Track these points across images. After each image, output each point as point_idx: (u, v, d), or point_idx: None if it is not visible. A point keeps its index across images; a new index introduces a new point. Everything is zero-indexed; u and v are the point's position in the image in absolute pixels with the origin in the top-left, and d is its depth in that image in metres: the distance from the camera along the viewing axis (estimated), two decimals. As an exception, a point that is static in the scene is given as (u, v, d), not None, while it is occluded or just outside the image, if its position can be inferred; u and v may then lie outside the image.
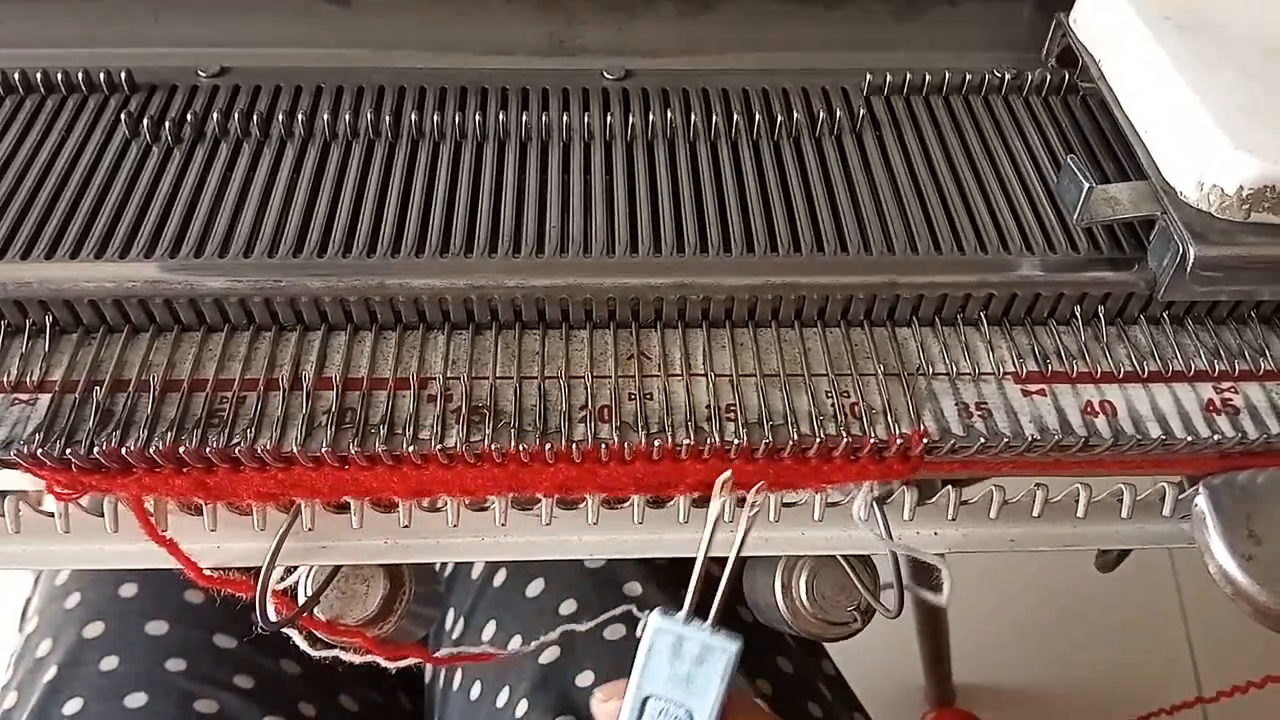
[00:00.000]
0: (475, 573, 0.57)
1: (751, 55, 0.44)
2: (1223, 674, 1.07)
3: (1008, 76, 0.42)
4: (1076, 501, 0.35)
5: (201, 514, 0.34)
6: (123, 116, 0.39)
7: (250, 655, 0.54)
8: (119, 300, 0.33)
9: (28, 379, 0.32)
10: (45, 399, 0.32)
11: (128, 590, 0.55)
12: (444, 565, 0.59)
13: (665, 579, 0.54)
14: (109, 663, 0.52)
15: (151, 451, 0.30)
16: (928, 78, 0.41)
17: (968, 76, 0.41)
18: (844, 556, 0.38)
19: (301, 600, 0.35)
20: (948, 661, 1.08)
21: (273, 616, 0.34)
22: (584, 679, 0.50)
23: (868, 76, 0.41)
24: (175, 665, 0.52)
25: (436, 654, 0.56)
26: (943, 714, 1.11)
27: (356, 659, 0.36)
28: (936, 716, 1.11)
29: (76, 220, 0.35)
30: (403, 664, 0.36)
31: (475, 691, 0.53)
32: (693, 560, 0.36)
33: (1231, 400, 0.33)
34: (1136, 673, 1.13)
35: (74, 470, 0.31)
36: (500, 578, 0.56)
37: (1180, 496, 0.35)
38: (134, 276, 0.33)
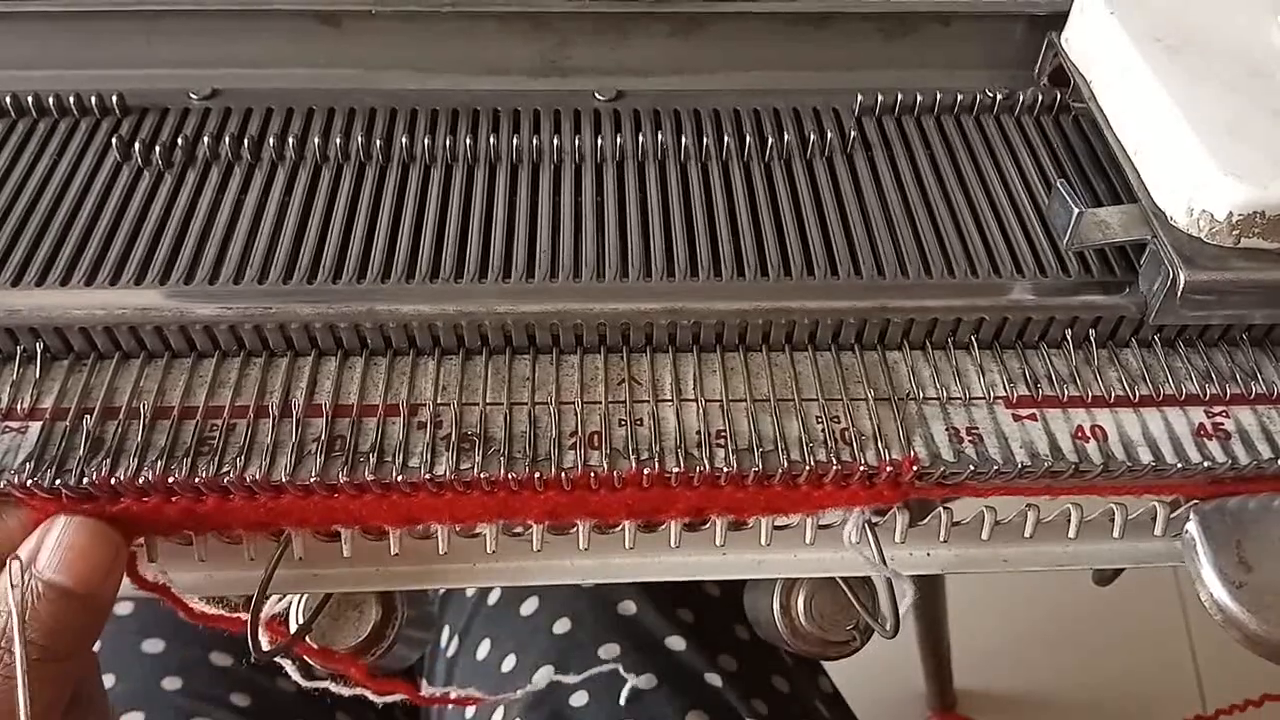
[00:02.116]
0: (469, 591, 0.58)
1: (743, 75, 0.43)
2: (1225, 683, 1.07)
3: (999, 96, 0.41)
4: (1068, 521, 0.35)
5: (192, 543, 0.34)
6: (114, 140, 0.39)
7: (247, 674, 0.54)
8: (110, 328, 0.33)
9: (18, 406, 0.32)
10: (36, 426, 0.32)
11: (123, 608, 0.55)
12: (436, 585, 0.59)
13: (660, 597, 0.54)
14: (105, 681, 0.52)
15: (141, 481, 0.30)
16: (919, 98, 0.41)
17: (959, 96, 0.41)
18: (842, 576, 0.38)
19: (294, 627, 0.35)
20: (949, 667, 1.09)
21: (265, 645, 0.34)
22: (578, 699, 0.50)
23: (859, 97, 0.41)
24: (172, 684, 0.52)
25: (426, 682, 0.56)
26: (944, 719, 1.11)
27: (346, 691, 0.36)
28: (937, 723, 1.11)
29: (67, 247, 0.35)
30: (390, 699, 0.36)
31: (469, 711, 0.53)
32: (688, 583, 0.37)
33: (1223, 424, 0.33)
34: (1138, 680, 1.13)
35: (64, 500, 0.31)
36: (494, 596, 0.56)
37: (1172, 515, 0.35)
38: (125, 304, 0.33)
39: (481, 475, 0.31)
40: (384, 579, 0.35)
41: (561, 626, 0.54)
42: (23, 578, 0.29)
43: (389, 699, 0.37)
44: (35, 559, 0.30)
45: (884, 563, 0.35)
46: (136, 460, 0.31)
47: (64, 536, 0.30)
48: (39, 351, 0.34)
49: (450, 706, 0.55)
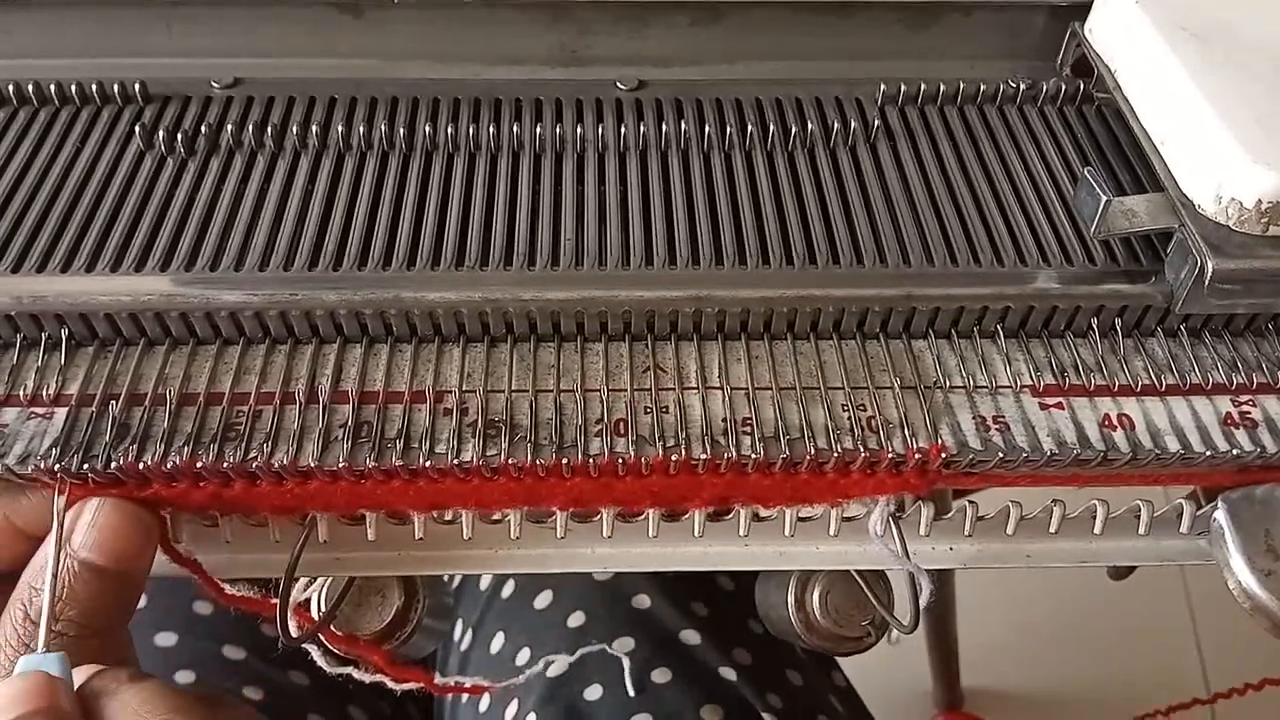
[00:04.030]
0: (483, 584, 0.57)
1: (764, 65, 0.43)
2: (1231, 678, 1.07)
3: (1022, 86, 0.41)
4: (1093, 518, 0.35)
5: (217, 524, 0.34)
6: (137, 128, 0.39)
7: (259, 667, 0.54)
8: (135, 314, 0.33)
9: (44, 392, 0.32)
10: (61, 413, 0.32)
11: (136, 602, 0.55)
12: (452, 576, 0.59)
13: (673, 590, 0.54)
14: None
15: (168, 466, 0.30)
16: (942, 87, 0.41)
17: (982, 86, 0.41)
18: (858, 570, 0.38)
19: (316, 612, 0.35)
20: (956, 665, 1.08)
21: (294, 632, 0.33)
22: (592, 692, 0.50)
23: (881, 86, 0.41)
24: (184, 677, 0.52)
25: (439, 674, 0.56)
26: (950, 717, 1.11)
27: (367, 678, 0.36)
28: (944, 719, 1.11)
29: (92, 233, 0.35)
30: (407, 686, 0.36)
31: (484, 703, 0.53)
32: (703, 574, 0.36)
33: (1250, 413, 0.33)
34: (1144, 676, 1.12)
35: (91, 485, 0.31)
36: (508, 589, 0.56)
37: (1198, 513, 0.35)
38: (149, 290, 0.33)
39: (509, 462, 0.31)
40: (407, 563, 0.35)
41: (576, 620, 0.54)
42: (58, 556, 0.29)
43: (407, 686, 0.37)
44: (70, 539, 0.30)
45: (908, 556, 0.35)
46: (163, 446, 0.31)
47: (97, 517, 0.30)
48: (64, 338, 0.34)
49: (464, 699, 0.55)
